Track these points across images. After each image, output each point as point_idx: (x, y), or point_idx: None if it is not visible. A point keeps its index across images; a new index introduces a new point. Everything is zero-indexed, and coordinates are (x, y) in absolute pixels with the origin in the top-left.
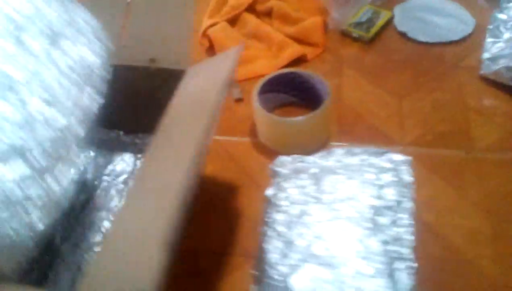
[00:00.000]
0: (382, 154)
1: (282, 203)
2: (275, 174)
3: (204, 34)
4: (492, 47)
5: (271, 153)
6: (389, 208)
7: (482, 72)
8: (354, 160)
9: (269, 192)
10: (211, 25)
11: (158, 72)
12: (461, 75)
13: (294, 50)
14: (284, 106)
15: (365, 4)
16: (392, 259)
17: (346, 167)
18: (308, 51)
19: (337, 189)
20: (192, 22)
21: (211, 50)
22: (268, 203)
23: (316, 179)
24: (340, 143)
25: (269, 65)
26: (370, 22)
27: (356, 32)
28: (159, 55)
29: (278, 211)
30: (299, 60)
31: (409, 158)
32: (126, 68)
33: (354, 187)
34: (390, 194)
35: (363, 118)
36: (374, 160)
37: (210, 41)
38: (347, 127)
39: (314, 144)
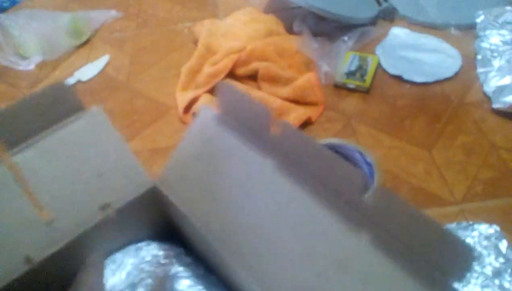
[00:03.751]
0: (468, 228)
1: None
2: None
3: (186, 111)
4: (487, 77)
5: None
6: None
7: (495, 106)
8: None
9: None
10: (194, 100)
11: (121, 213)
12: (472, 113)
13: (298, 114)
14: None
15: (347, 51)
16: None
17: None
18: (311, 112)
19: None
20: (123, 144)
21: None
22: None
23: None
24: None
25: None
26: (361, 69)
27: (352, 83)
28: (110, 197)
29: None
30: (303, 124)
31: (497, 227)
32: (67, 248)
33: (470, 285)
34: (508, 282)
35: (402, 179)
36: (468, 240)
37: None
38: None
39: None
